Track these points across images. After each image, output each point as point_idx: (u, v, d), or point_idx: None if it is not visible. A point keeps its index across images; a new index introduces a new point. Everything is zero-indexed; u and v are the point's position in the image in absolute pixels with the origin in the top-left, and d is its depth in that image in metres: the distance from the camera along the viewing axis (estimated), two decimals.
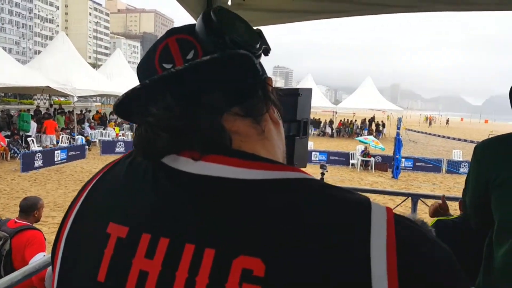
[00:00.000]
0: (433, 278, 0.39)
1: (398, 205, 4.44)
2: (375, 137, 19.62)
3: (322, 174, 4.41)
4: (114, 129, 17.87)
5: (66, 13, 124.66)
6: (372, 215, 0.42)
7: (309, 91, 1.91)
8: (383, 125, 28.21)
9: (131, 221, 0.47)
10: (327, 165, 5.18)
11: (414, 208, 3.75)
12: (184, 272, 0.42)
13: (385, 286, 0.37)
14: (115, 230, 0.47)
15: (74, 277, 0.50)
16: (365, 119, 29.12)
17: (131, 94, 0.53)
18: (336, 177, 12.14)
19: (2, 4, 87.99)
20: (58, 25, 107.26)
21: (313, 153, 14.65)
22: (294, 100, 1.77)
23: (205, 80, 0.53)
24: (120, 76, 17.23)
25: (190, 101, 0.52)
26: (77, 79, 14.04)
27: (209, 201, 0.46)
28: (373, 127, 27.67)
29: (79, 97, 14.59)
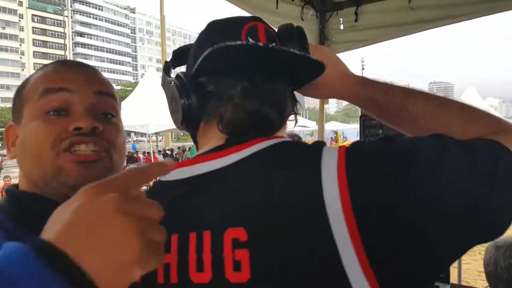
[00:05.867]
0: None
1: None
2: None
3: None
4: None
5: None
6: (323, 149, 0.52)
7: None
8: None
9: None
10: None
11: None
12: (193, 255, 0.51)
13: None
14: None
15: None
16: None
17: (217, 51, 0.52)
18: None
19: None
20: None
21: None
22: None
23: (280, 69, 0.58)
24: None
25: (266, 82, 0.58)
26: None
27: (198, 196, 0.54)
28: None
29: None
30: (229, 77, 0.57)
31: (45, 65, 0.74)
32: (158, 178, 0.58)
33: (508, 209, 0.49)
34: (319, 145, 0.54)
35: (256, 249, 0.47)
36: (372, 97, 0.66)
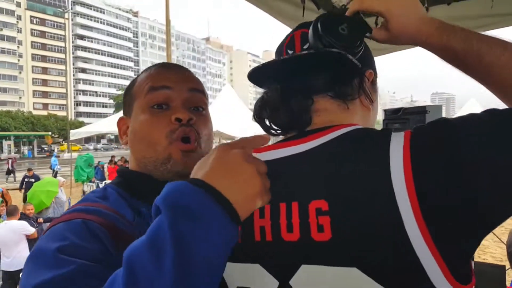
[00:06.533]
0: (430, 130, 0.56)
1: None
2: None
3: None
4: None
5: (231, 68, 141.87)
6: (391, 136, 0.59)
7: (438, 108, 2.04)
8: None
9: None
10: None
11: None
12: (284, 220, 0.62)
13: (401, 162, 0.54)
14: None
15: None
16: None
17: (262, 68, 0.70)
18: None
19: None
20: (225, 79, 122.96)
21: None
22: (422, 118, 1.93)
23: (304, 68, 0.69)
24: None
25: (290, 83, 0.69)
26: (241, 123, 15.86)
27: (285, 174, 0.64)
28: None
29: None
30: (264, 87, 0.76)
31: (148, 68, 0.89)
32: None
33: None
34: (388, 130, 0.62)
35: (335, 217, 0.57)
36: (450, 45, 0.65)
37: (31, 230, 5.14)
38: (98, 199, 0.79)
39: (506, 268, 1.55)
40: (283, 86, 0.71)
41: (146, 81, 0.84)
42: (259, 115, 0.75)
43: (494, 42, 0.63)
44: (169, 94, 0.82)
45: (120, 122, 0.90)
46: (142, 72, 0.89)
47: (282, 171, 0.65)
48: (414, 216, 0.51)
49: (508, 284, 1.49)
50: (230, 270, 0.66)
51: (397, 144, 0.56)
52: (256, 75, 0.73)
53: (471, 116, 0.57)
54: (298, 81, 0.70)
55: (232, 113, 16.28)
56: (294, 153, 0.66)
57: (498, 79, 0.63)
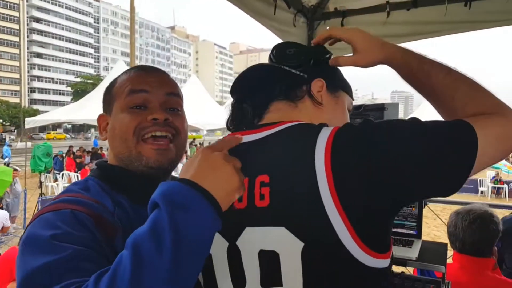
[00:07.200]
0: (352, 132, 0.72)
1: None
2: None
3: None
4: None
5: (197, 58, 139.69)
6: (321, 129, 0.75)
7: (395, 105, 2.22)
8: None
9: None
10: None
11: None
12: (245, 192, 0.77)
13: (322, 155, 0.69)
14: None
15: None
16: None
17: (235, 83, 0.93)
18: None
19: (147, 55, 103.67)
20: (190, 69, 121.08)
21: None
22: (380, 114, 2.10)
23: (261, 82, 0.90)
24: None
25: (247, 95, 0.91)
26: (206, 115, 15.74)
27: (244, 154, 0.76)
28: None
29: (207, 130, 16.30)
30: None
31: (128, 70, 0.98)
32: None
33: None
34: (321, 125, 0.78)
35: (273, 187, 0.73)
36: (409, 63, 0.82)
37: (8, 224, 5.00)
38: (81, 190, 0.85)
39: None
40: (240, 97, 0.93)
41: (126, 84, 0.92)
42: (227, 124, 0.94)
43: (441, 67, 0.80)
44: (147, 97, 0.91)
45: (100, 119, 0.98)
46: (122, 74, 0.97)
47: (241, 153, 0.77)
48: (329, 187, 0.68)
49: (449, 260, 1.72)
50: None
51: (324, 135, 0.73)
52: (232, 90, 0.94)
53: (391, 122, 0.73)
54: (255, 92, 0.90)
55: (198, 104, 16.11)
56: (250, 140, 0.82)
57: (439, 97, 0.81)
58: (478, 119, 0.71)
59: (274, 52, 0.91)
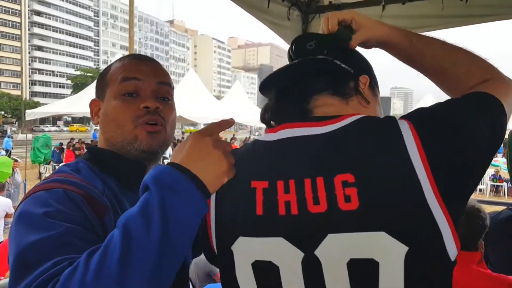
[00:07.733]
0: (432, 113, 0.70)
1: None
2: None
3: None
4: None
5: (195, 53, 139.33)
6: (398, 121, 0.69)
7: (388, 100, 2.22)
8: None
9: (266, 176, 0.71)
10: None
11: None
12: (310, 193, 0.67)
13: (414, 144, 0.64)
14: (258, 184, 0.71)
15: (236, 217, 0.72)
16: None
17: (267, 79, 0.82)
18: None
19: (146, 49, 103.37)
20: (188, 64, 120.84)
21: None
22: None
23: (305, 73, 0.81)
24: (238, 105, 18.70)
25: (287, 88, 0.81)
26: (203, 109, 15.71)
27: (304, 151, 0.71)
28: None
29: (204, 124, 16.29)
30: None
31: (122, 58, 0.99)
32: (255, 139, 0.83)
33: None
34: (393, 117, 0.72)
35: (362, 188, 0.64)
36: (407, 35, 0.84)
37: (11, 211, 5.07)
38: (72, 171, 0.86)
39: None
40: (279, 90, 0.83)
41: (120, 71, 0.94)
42: (263, 118, 0.86)
43: (435, 39, 0.84)
44: (139, 85, 0.92)
45: (92, 104, 0.99)
46: (116, 61, 0.99)
47: (300, 149, 0.72)
48: (429, 183, 0.62)
49: None
50: (247, 244, 0.71)
51: (404, 125, 0.68)
52: (263, 87, 0.84)
53: (450, 103, 0.74)
54: (295, 85, 0.81)
55: (196, 98, 16.07)
56: (311, 134, 0.73)
57: (441, 66, 0.83)
58: (493, 88, 0.74)
59: (293, 48, 0.83)
